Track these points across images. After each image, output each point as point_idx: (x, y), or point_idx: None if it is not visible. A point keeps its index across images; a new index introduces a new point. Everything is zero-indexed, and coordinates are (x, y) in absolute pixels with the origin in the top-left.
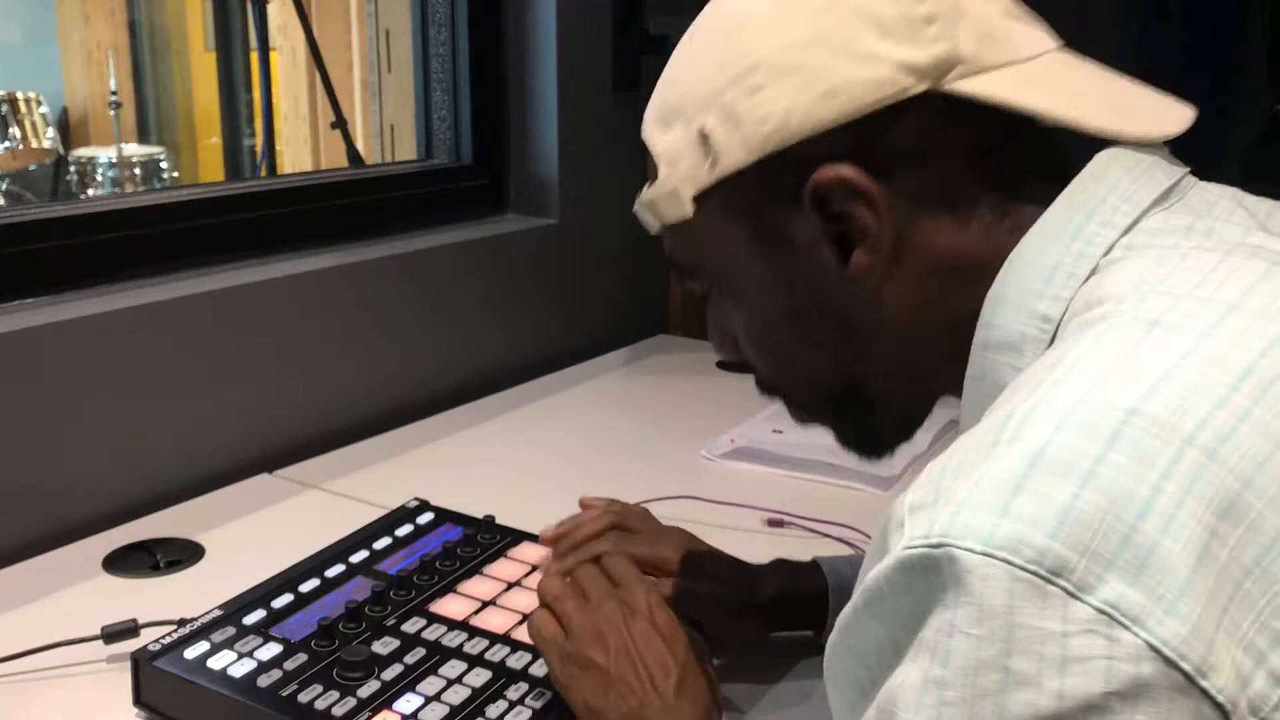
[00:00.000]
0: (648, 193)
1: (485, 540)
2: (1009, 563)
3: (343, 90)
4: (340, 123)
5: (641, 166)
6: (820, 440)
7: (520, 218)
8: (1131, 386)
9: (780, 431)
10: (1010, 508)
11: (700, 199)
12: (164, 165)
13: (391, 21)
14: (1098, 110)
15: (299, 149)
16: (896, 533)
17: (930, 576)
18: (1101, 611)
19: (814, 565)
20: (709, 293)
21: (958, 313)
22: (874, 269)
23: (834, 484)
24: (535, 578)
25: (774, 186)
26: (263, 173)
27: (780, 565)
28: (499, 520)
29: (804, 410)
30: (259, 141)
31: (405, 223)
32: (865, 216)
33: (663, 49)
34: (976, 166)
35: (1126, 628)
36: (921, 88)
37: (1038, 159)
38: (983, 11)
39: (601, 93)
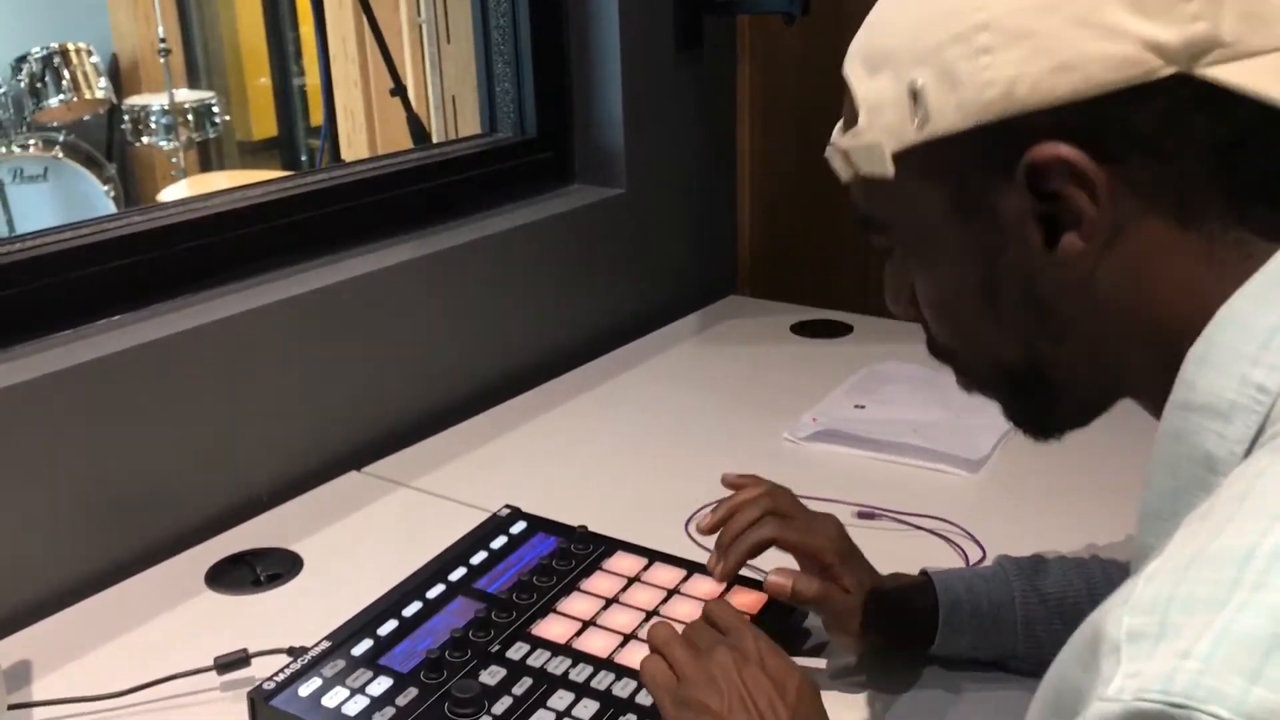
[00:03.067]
0: (843, 139)
1: (579, 552)
2: None
3: (400, 64)
4: (400, 90)
5: (713, 131)
6: (905, 416)
7: (587, 188)
8: None
9: (862, 407)
10: (1263, 672)
11: (901, 156)
12: (215, 109)
13: None
14: None
15: (355, 121)
16: (1110, 658)
17: None
18: None
19: (926, 581)
20: (892, 249)
21: (1164, 323)
22: (1084, 257)
23: (922, 466)
24: (632, 592)
25: (986, 156)
26: (324, 159)
27: (896, 581)
28: (588, 524)
29: (977, 383)
30: (307, 81)
31: (473, 203)
32: (1082, 201)
33: (724, 8)
34: (1216, 166)
35: None
36: (1169, 70)
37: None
38: None
39: (664, 54)
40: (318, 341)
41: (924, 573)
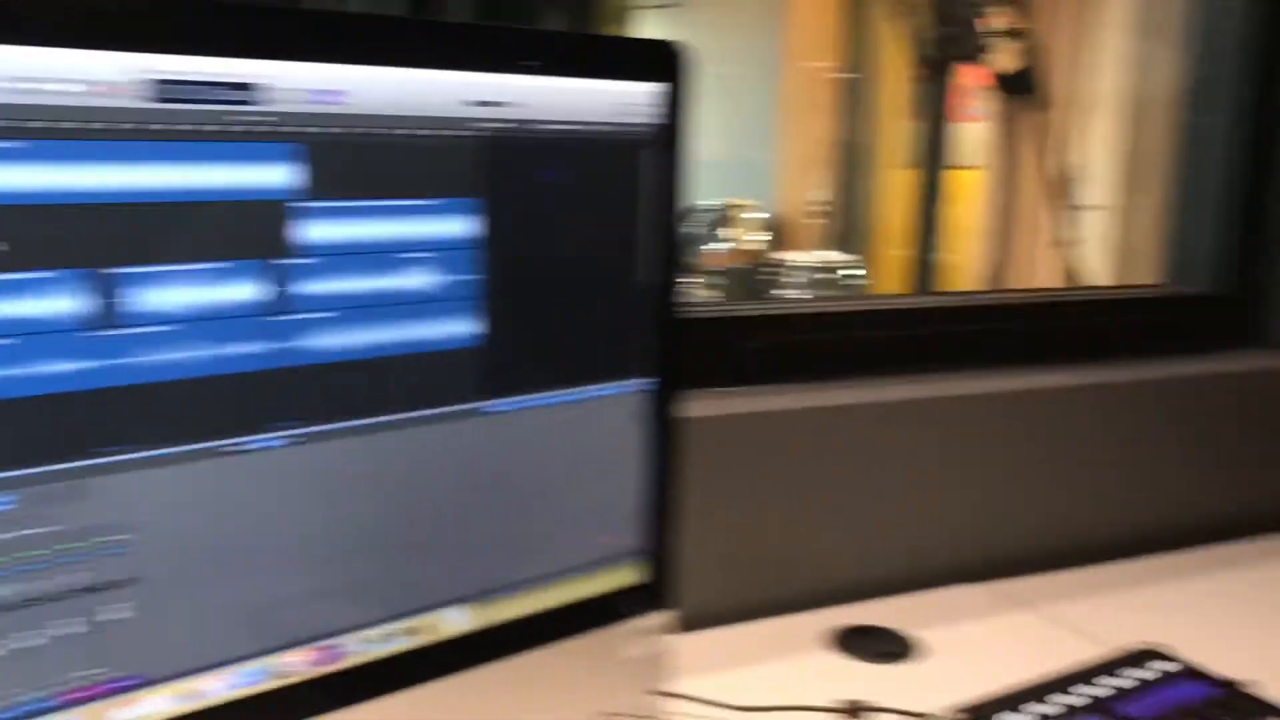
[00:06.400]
0: None
1: (1234, 705)
2: None
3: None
4: (1063, 240)
5: None
6: None
7: (1274, 354)
8: None
9: None
10: None
11: None
12: (859, 273)
13: (1145, 140)
14: None
15: (1021, 267)
16: None
17: None
18: None
19: None
20: None
21: None
22: None
23: None
24: None
25: None
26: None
27: None
28: (1250, 688)
29: None
30: (941, 256)
31: (1142, 347)
32: None
33: None
34: None
35: None
36: None
37: None
38: None
39: None
40: (963, 446)
41: None
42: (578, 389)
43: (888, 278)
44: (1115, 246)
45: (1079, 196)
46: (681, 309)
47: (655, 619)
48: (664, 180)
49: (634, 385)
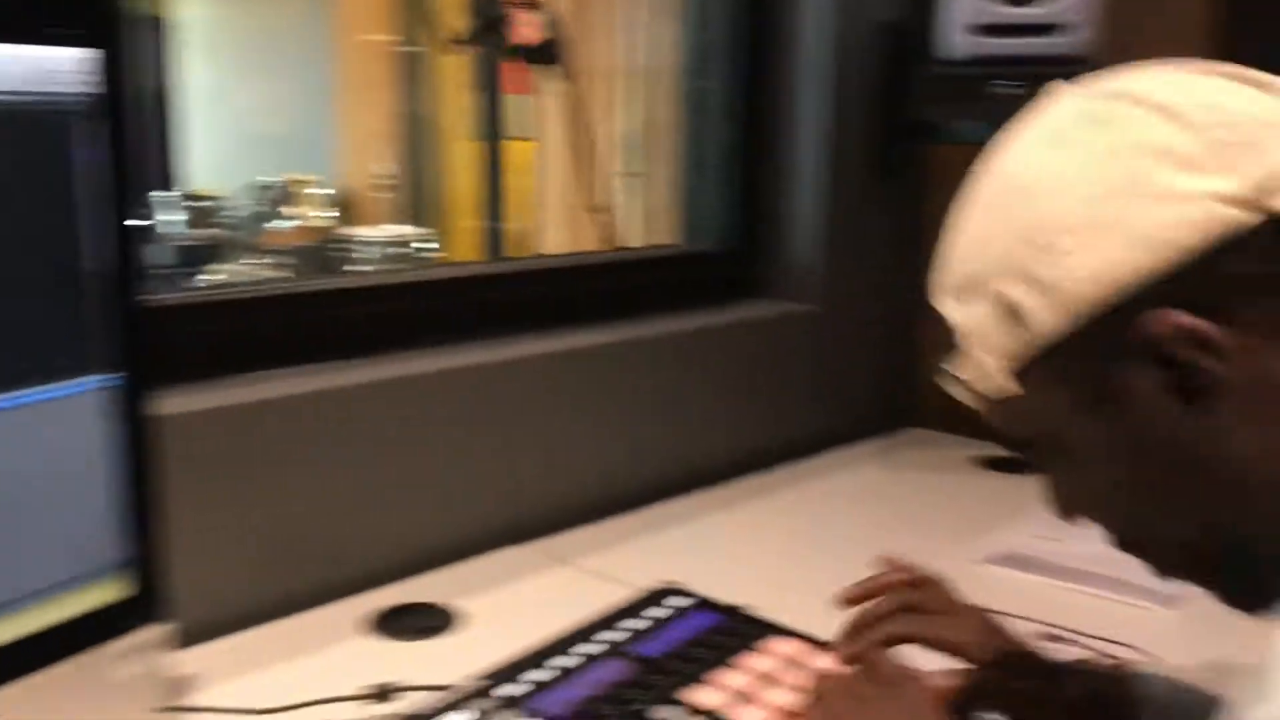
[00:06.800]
0: (959, 370)
1: (739, 630)
2: None
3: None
4: (599, 206)
5: (904, 258)
6: (1092, 550)
7: (777, 303)
8: None
9: (1050, 538)
10: None
11: (1020, 371)
12: (433, 245)
13: (656, 108)
14: None
15: (558, 233)
16: None
17: None
18: None
19: (1123, 672)
20: (1045, 458)
21: None
22: (1230, 415)
23: (1112, 599)
24: (789, 674)
25: (1100, 347)
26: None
27: (1085, 666)
28: (748, 605)
29: (1172, 571)
30: (508, 226)
31: (662, 305)
32: (1210, 363)
33: (931, 137)
34: None
35: None
36: (1249, 216)
37: None
38: None
39: (864, 180)
40: (493, 414)
41: (1120, 666)
42: (22, 391)
43: (462, 249)
44: (643, 211)
45: (614, 164)
46: (150, 296)
47: (152, 632)
48: (106, 157)
49: (96, 383)
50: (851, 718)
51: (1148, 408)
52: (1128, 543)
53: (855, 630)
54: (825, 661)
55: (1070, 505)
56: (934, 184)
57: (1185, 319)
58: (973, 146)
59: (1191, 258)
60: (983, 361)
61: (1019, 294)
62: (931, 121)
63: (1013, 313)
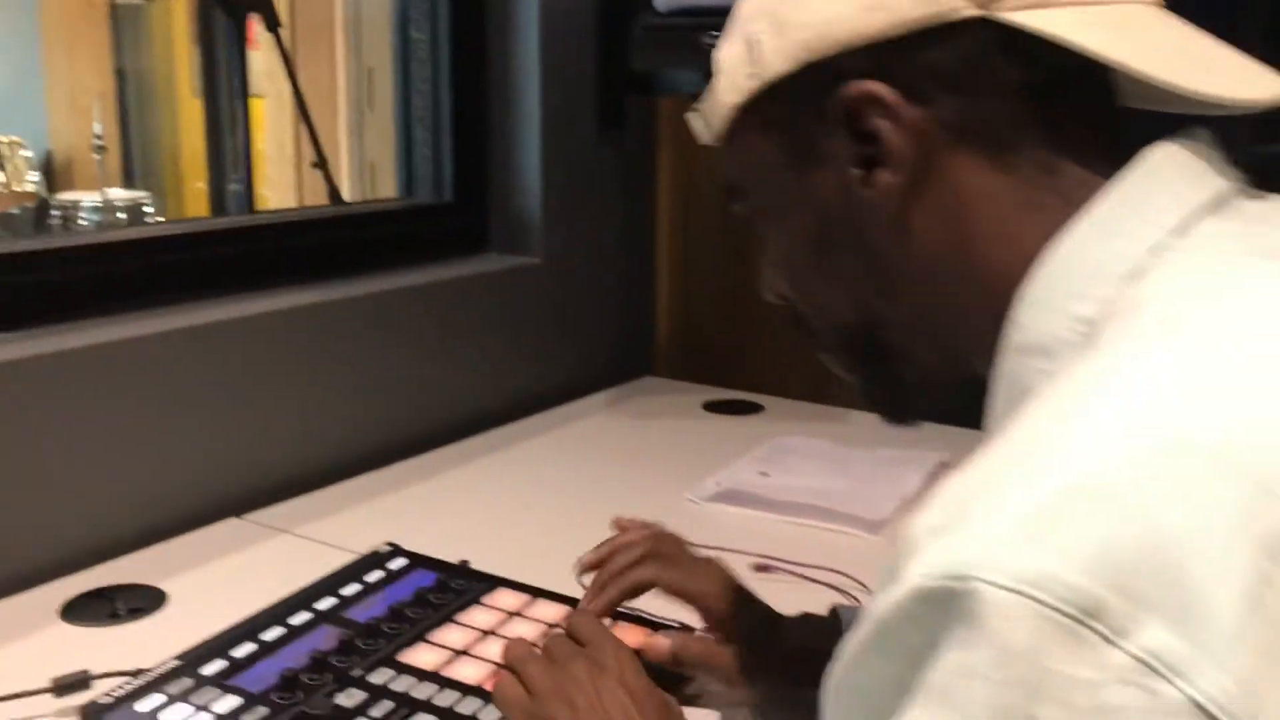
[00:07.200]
0: (702, 102)
1: (459, 587)
2: (1038, 600)
3: (328, 132)
4: (320, 162)
5: (634, 209)
6: (808, 484)
7: (502, 257)
8: (1182, 409)
9: (767, 474)
10: (1041, 540)
11: (743, 111)
12: (149, 209)
13: (375, 60)
14: (1173, 65)
15: (283, 191)
16: (911, 558)
17: (948, 612)
18: (1140, 660)
19: (835, 618)
20: (752, 217)
21: (989, 270)
22: (897, 193)
23: (822, 528)
24: (511, 626)
25: (810, 100)
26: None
27: (806, 619)
28: (475, 566)
29: (830, 353)
30: (238, 188)
31: (384, 261)
32: (892, 136)
33: (647, 88)
34: (1029, 110)
35: (1168, 680)
36: (971, 12)
37: (1096, 120)
38: None
39: (585, 130)
40: (201, 381)
41: (833, 611)
42: None
43: (189, 210)
44: (366, 164)
45: (336, 118)
46: None
47: None
48: None
49: None
50: (544, 682)
51: (833, 174)
52: (801, 318)
53: (599, 586)
54: (552, 611)
55: (767, 272)
56: (664, 136)
57: (881, 88)
58: (691, 98)
59: (911, 36)
60: (718, 95)
61: (760, 29)
62: (650, 72)
63: (751, 49)
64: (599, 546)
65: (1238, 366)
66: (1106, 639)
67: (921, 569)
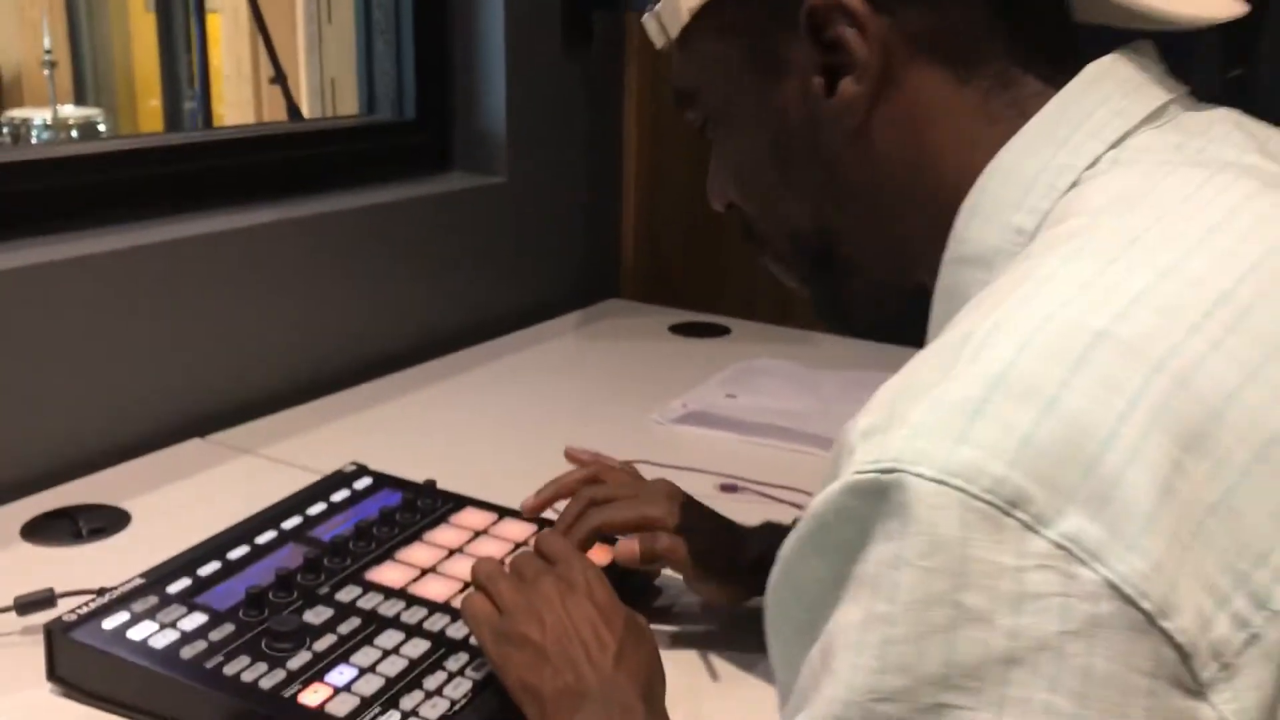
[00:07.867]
0: (658, 3)
1: (426, 506)
2: (964, 491)
3: (286, 49)
4: (279, 77)
5: (602, 128)
6: (775, 405)
7: (466, 175)
8: (1103, 307)
9: (733, 396)
10: (968, 433)
11: (700, 14)
12: (102, 127)
13: None
14: None
15: (242, 109)
16: (846, 459)
17: (878, 504)
18: (1060, 546)
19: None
20: (705, 126)
21: (941, 181)
22: (858, 102)
23: (787, 448)
24: (478, 544)
25: (773, 6)
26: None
27: (768, 528)
28: (441, 485)
29: (780, 262)
30: (194, 105)
31: (346, 179)
32: (855, 43)
33: (615, 2)
34: (988, 21)
35: (1085, 564)
36: None
37: (1054, 34)
38: None
39: (551, 46)
40: (163, 299)
41: (796, 521)
42: None
43: (144, 128)
44: (326, 81)
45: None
46: None
47: None
48: None
49: None
50: (513, 600)
51: (794, 82)
52: (751, 226)
53: (562, 528)
54: (519, 529)
55: (717, 180)
56: (632, 53)
57: None
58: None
59: None
60: (679, 0)
61: None
62: None
63: None
64: (544, 488)
65: (1154, 267)
66: (1028, 527)
67: (854, 466)
